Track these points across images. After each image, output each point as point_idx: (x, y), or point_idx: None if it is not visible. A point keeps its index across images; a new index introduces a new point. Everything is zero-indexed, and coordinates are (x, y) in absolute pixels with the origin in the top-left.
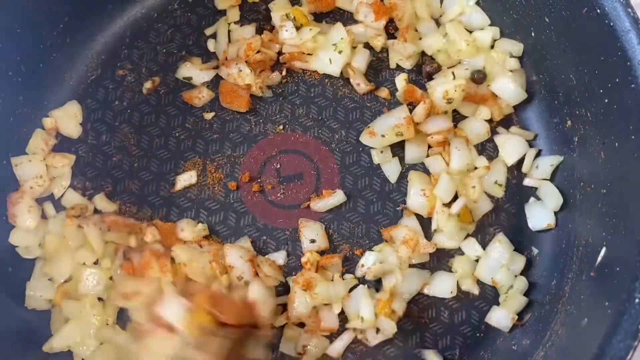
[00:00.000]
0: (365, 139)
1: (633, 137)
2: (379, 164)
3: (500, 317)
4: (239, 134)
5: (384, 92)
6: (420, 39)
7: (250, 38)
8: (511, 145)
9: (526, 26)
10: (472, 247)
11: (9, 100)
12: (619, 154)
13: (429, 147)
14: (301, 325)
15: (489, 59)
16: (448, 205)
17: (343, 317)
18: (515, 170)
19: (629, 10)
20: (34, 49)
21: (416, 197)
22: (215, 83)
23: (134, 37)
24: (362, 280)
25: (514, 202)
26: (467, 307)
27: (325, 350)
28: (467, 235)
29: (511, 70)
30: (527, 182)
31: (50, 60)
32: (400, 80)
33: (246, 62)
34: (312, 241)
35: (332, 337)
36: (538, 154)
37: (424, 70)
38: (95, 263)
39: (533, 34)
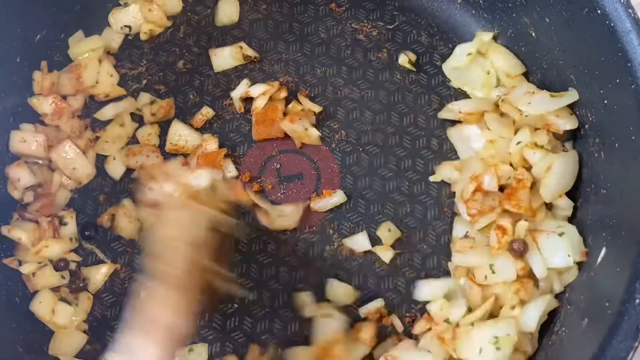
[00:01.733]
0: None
1: (633, 137)
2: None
3: None
4: (239, 134)
5: None
6: None
7: None
8: None
9: (526, 27)
10: None
11: (11, 102)
12: (619, 155)
13: None
14: None
15: None
16: None
17: None
18: None
19: (630, 11)
20: (34, 50)
21: None
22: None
23: (133, 37)
24: None
25: None
26: None
27: None
28: None
29: None
30: None
31: (52, 61)
32: None
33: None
34: None
35: None
36: None
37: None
38: None
39: (533, 34)
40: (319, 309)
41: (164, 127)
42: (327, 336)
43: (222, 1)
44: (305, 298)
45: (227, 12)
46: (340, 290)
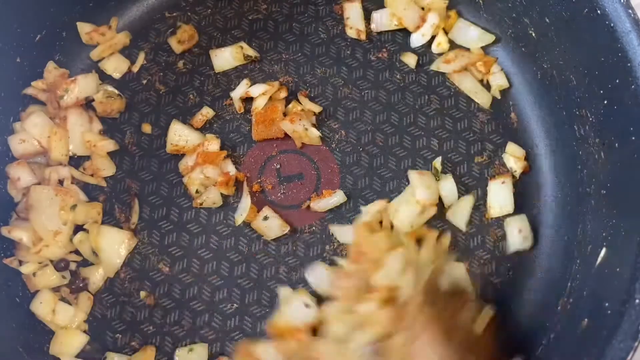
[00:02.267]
0: None
1: (633, 138)
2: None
3: None
4: (239, 134)
5: None
6: None
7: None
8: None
9: (526, 27)
10: None
11: (12, 102)
12: (619, 155)
13: None
14: None
15: None
16: None
17: None
18: None
19: (630, 11)
20: (34, 51)
21: None
22: None
23: (134, 37)
24: None
25: None
26: None
27: None
28: None
29: None
30: None
31: (53, 61)
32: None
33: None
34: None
35: None
36: None
37: None
38: None
39: (533, 35)
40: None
41: (163, 127)
42: (293, 321)
43: None
44: (285, 292)
45: None
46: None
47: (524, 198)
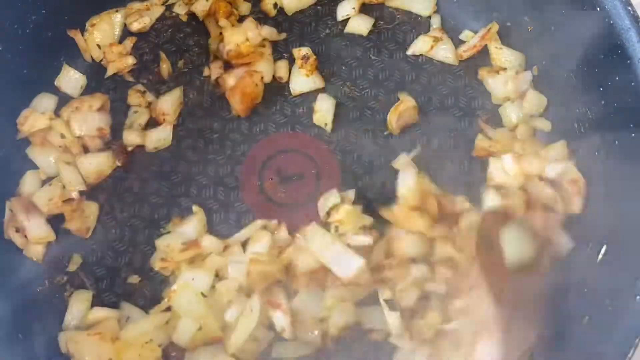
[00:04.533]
0: None
1: (633, 134)
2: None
3: None
4: (239, 134)
5: None
6: None
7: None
8: None
9: (526, 25)
10: None
11: (11, 102)
12: (619, 152)
13: None
14: None
15: None
16: None
17: None
18: None
19: (629, 8)
20: (33, 50)
21: None
22: None
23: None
24: None
25: None
26: None
27: None
28: None
29: None
30: None
31: (52, 60)
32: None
33: None
34: None
35: None
36: None
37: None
38: None
39: (533, 33)
40: None
41: None
42: None
43: None
44: None
45: None
46: None
47: None
